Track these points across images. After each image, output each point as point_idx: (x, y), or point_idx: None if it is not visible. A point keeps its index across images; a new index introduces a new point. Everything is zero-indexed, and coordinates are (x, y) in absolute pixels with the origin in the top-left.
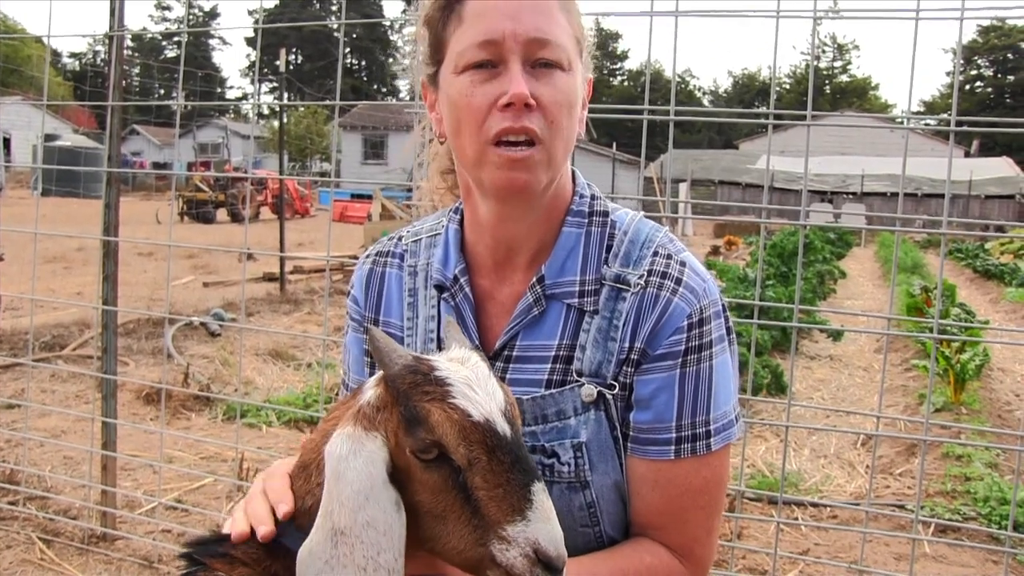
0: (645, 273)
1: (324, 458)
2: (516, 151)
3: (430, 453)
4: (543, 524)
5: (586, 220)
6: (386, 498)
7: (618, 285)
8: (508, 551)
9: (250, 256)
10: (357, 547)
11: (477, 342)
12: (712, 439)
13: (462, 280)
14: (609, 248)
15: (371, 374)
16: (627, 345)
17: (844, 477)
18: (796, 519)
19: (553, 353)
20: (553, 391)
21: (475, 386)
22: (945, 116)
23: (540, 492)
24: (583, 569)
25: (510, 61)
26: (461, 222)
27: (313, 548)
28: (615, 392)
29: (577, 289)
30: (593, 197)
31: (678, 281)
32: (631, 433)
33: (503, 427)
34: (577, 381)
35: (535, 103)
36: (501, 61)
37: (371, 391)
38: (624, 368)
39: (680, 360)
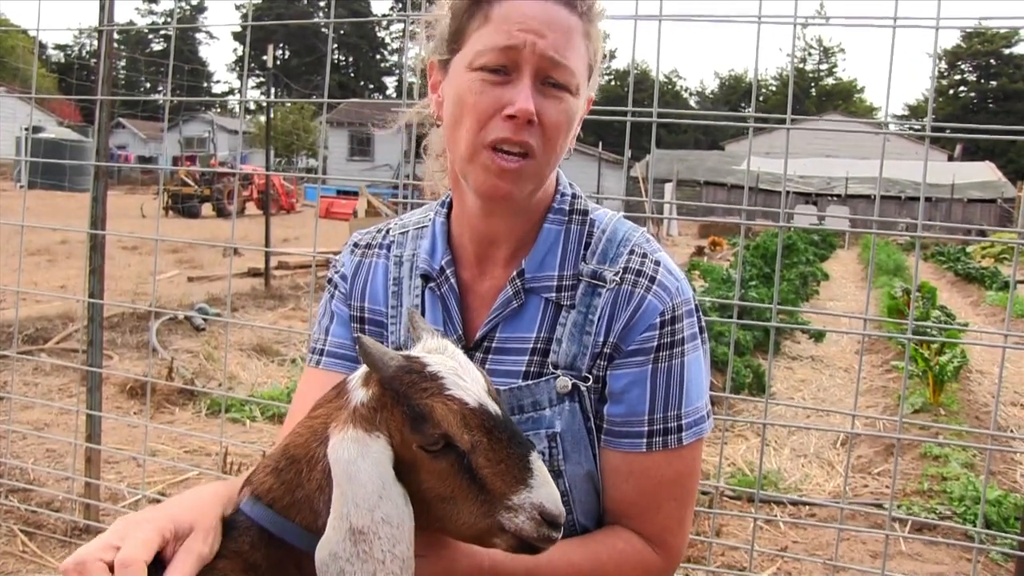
0: (620, 270)
1: (329, 461)
2: (508, 160)
3: (438, 444)
4: (544, 488)
5: (566, 218)
6: (396, 493)
7: (594, 281)
8: (516, 518)
9: (235, 251)
10: (375, 543)
11: (461, 332)
12: (684, 433)
13: (448, 271)
14: (587, 245)
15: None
16: (601, 339)
17: (823, 476)
18: (775, 516)
19: (531, 346)
20: (530, 382)
21: (463, 375)
22: (922, 123)
23: (537, 460)
24: (558, 553)
25: (524, 72)
26: (448, 215)
27: (333, 549)
28: (589, 384)
29: (555, 284)
30: (574, 196)
31: (652, 279)
32: (605, 426)
33: (494, 408)
34: (553, 373)
35: (537, 120)
36: (515, 69)
37: (361, 391)
38: (598, 361)
39: (652, 356)
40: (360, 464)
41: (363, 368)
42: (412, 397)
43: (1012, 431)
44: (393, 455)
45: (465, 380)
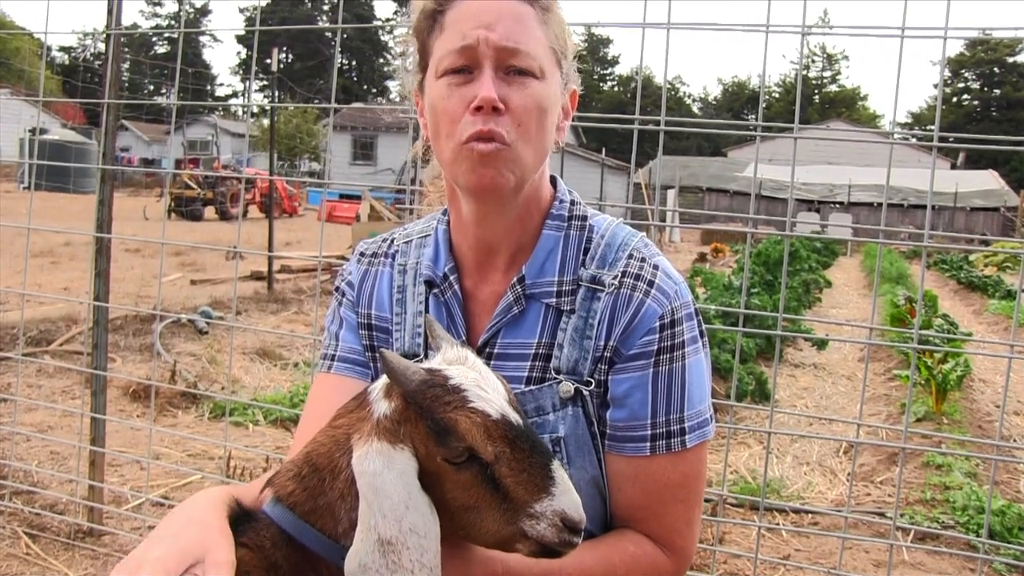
0: (619, 274)
1: (354, 473)
2: (484, 145)
3: (462, 457)
4: (566, 495)
5: (565, 224)
6: (423, 503)
7: (593, 286)
8: (538, 525)
9: (239, 255)
10: (404, 553)
11: (464, 338)
12: (687, 436)
13: (451, 278)
14: (586, 251)
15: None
16: (602, 343)
17: (826, 484)
18: (778, 524)
19: (533, 351)
20: (533, 388)
21: (484, 386)
22: (929, 132)
23: (558, 469)
24: (571, 558)
25: (484, 66)
26: (449, 223)
27: (363, 560)
28: (591, 389)
29: (555, 289)
30: (573, 202)
31: (650, 283)
32: (608, 431)
33: (515, 418)
34: (555, 378)
35: (504, 107)
36: (476, 66)
37: (383, 403)
38: (599, 366)
39: (653, 360)
40: (386, 476)
41: (383, 379)
42: (436, 411)
43: (1016, 441)
44: (418, 466)
45: (487, 391)
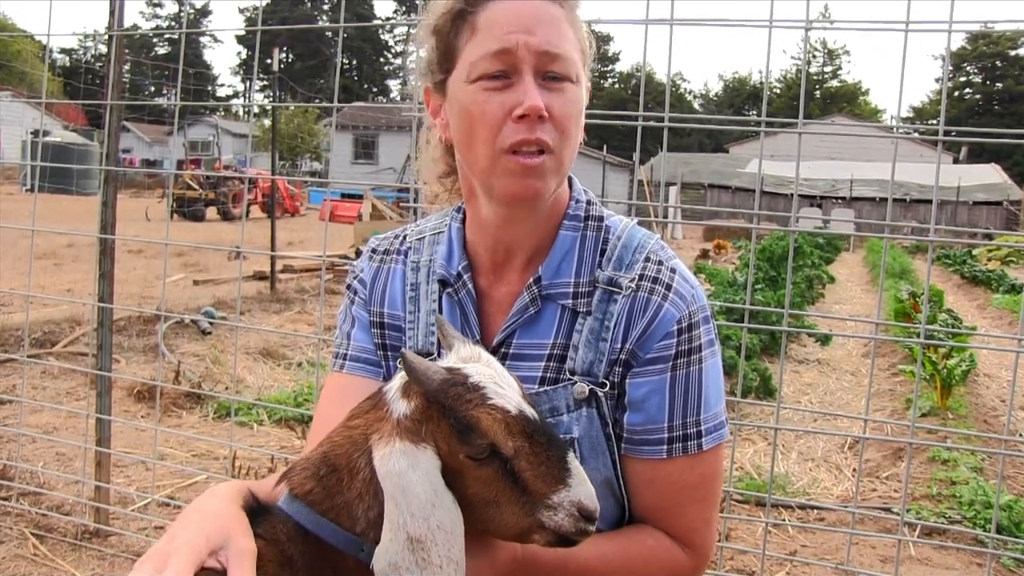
0: (636, 277)
1: (377, 473)
2: (530, 159)
3: (484, 453)
4: (582, 486)
5: (582, 224)
6: (448, 500)
7: (610, 288)
8: (555, 515)
9: (240, 255)
10: (432, 550)
11: (479, 337)
12: (703, 439)
13: (465, 277)
14: (603, 252)
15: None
16: (618, 346)
17: (831, 480)
18: (784, 521)
19: (547, 352)
20: (547, 388)
21: (501, 382)
22: (932, 127)
23: (574, 460)
24: (589, 546)
25: (523, 72)
26: (464, 221)
27: (392, 559)
28: (606, 391)
29: (571, 291)
30: (589, 203)
31: (668, 287)
32: (624, 435)
33: (531, 413)
34: (570, 379)
35: (547, 115)
36: (515, 72)
37: (402, 403)
38: (615, 368)
39: (671, 364)
40: (411, 476)
41: (398, 378)
42: (459, 409)
43: (1022, 435)
44: (440, 464)
45: (504, 388)
